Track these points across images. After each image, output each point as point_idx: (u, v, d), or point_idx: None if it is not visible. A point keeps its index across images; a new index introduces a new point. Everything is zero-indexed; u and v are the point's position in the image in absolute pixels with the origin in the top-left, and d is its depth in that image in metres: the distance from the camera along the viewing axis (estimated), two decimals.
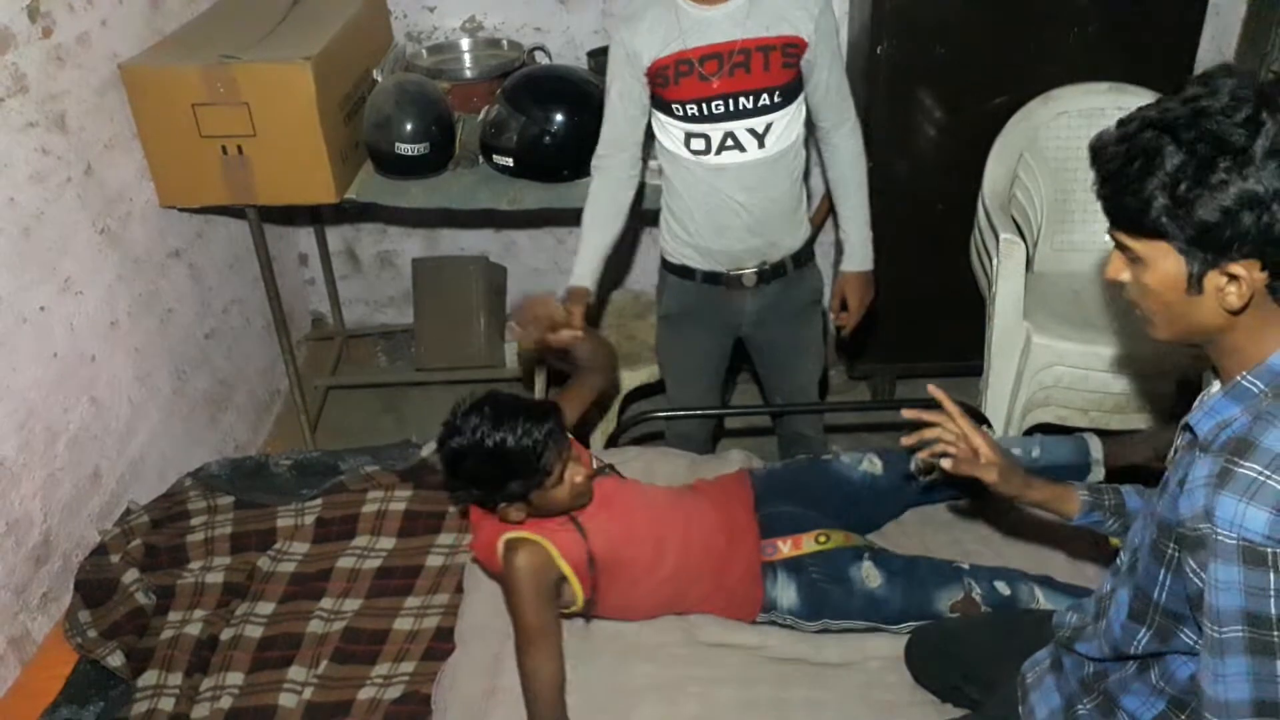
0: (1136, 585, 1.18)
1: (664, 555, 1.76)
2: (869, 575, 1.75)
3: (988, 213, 2.43)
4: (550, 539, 1.69)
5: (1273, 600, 0.98)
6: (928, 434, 1.46)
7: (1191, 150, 0.99)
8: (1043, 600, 1.72)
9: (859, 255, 2.16)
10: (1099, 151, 1.08)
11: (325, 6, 2.67)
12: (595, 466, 1.81)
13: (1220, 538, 1.00)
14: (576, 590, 1.73)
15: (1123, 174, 1.04)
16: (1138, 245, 1.07)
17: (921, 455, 1.49)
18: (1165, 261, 1.05)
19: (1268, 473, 0.99)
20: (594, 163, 2.06)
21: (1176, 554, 1.10)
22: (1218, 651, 1.03)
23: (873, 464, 1.97)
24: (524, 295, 1.94)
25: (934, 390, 1.50)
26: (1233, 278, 1.02)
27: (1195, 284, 1.04)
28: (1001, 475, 1.41)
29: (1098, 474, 1.96)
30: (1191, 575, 1.06)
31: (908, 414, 1.48)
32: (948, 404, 1.46)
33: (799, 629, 1.77)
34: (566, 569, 1.70)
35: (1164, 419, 2.40)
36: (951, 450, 1.44)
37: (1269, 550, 0.98)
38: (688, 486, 1.98)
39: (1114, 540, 1.44)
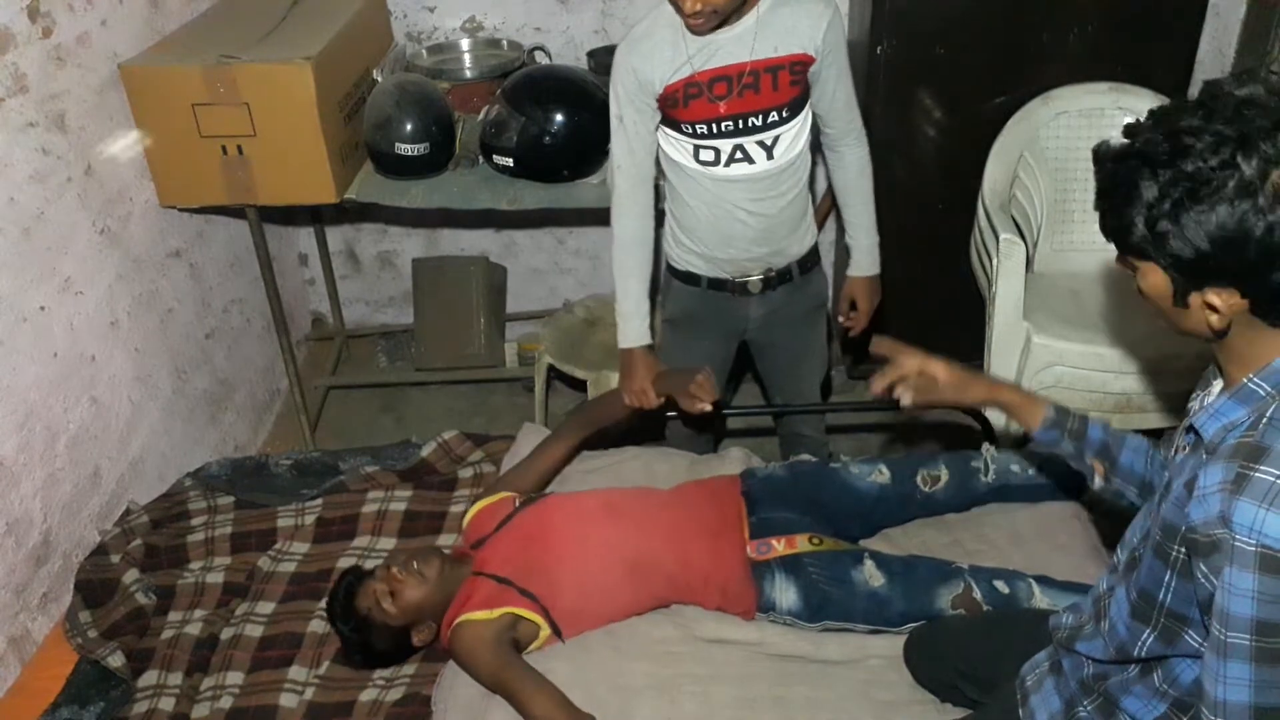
0: (1140, 586, 1.18)
1: (600, 549, 1.81)
2: (871, 575, 1.75)
3: (988, 213, 2.43)
4: (474, 610, 1.75)
5: None
6: (891, 376, 1.57)
7: (1168, 187, 1.01)
8: (1041, 597, 1.72)
9: (866, 261, 2.17)
10: (1097, 162, 1.11)
11: (325, 6, 2.67)
12: (516, 505, 1.93)
13: (1238, 544, 0.99)
14: (534, 620, 1.76)
15: (1110, 196, 1.08)
16: (1129, 257, 1.11)
17: (878, 388, 1.60)
18: (1154, 275, 1.09)
19: None
20: (617, 205, 1.98)
21: (1183, 557, 1.10)
22: (1222, 653, 1.03)
23: (881, 474, 1.97)
24: (689, 376, 1.97)
25: (879, 345, 1.60)
26: (1211, 305, 1.05)
27: (1180, 300, 1.08)
28: (959, 391, 1.52)
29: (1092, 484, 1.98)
30: (1203, 580, 1.05)
31: (876, 350, 1.60)
32: (895, 350, 1.57)
33: (799, 628, 1.78)
34: (509, 611, 1.74)
35: (1165, 419, 2.40)
36: (908, 388, 1.55)
37: None
38: (667, 490, 2.01)
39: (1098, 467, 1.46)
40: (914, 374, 1.55)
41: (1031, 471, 1.97)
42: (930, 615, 1.73)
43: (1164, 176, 1.01)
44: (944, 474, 1.97)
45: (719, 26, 1.80)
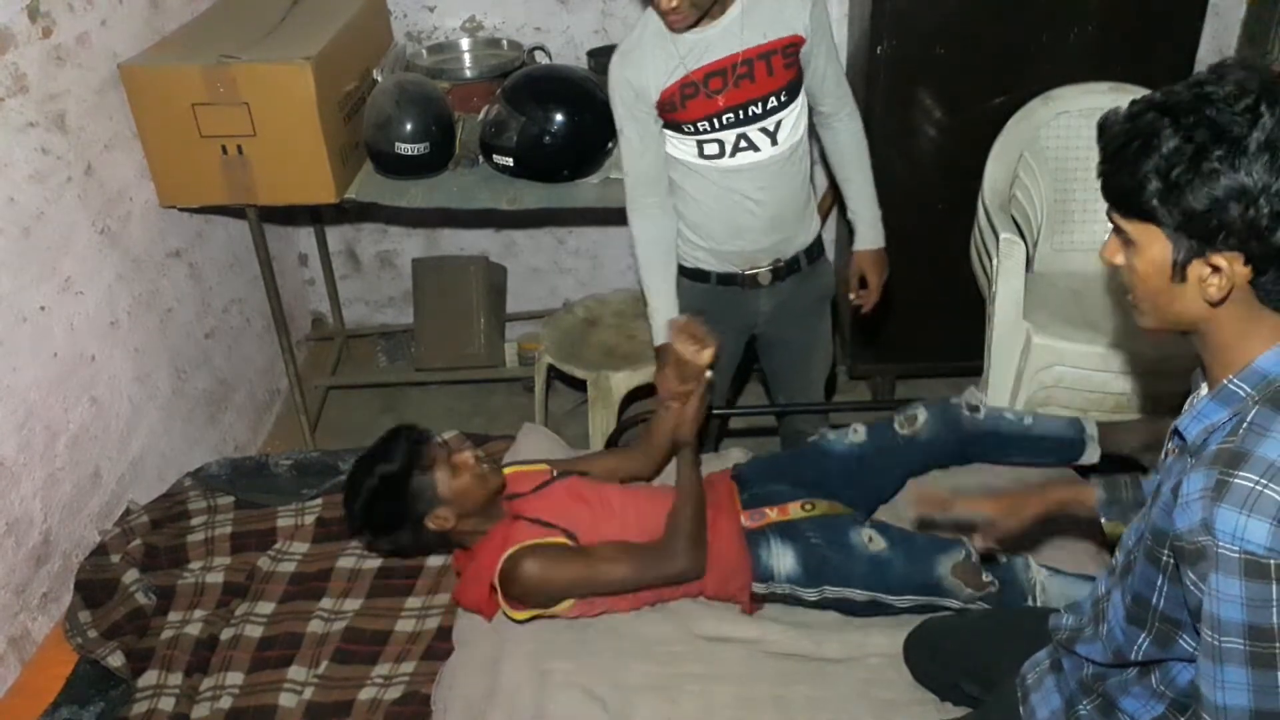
0: (1134, 590, 1.18)
1: (629, 518, 1.84)
2: (871, 539, 1.77)
3: (988, 213, 2.43)
4: (525, 539, 1.75)
5: (1274, 611, 0.98)
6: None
7: (1188, 136, 0.99)
8: (1037, 569, 1.75)
9: (871, 233, 2.16)
10: (1105, 128, 1.09)
11: (325, 6, 2.67)
12: (553, 475, 1.94)
13: (1222, 551, 0.99)
14: None
15: (1122, 153, 1.04)
16: (1130, 227, 1.08)
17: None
18: (1154, 246, 1.06)
19: (1264, 482, 0.98)
20: (631, 207, 2.03)
21: (1172, 562, 1.10)
22: (1217, 659, 1.03)
23: (856, 434, 1.99)
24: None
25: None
26: (1215, 269, 1.02)
27: (1179, 272, 1.05)
28: (1015, 515, 1.55)
29: (1092, 452, 1.99)
30: (1191, 587, 1.05)
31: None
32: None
33: (798, 596, 1.79)
34: (559, 540, 1.76)
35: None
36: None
37: (1270, 562, 0.97)
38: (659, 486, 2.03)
39: (1109, 527, 1.47)
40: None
41: (1028, 421, 1.99)
42: (930, 582, 1.75)
43: (1186, 123, 0.99)
44: (921, 414, 1.97)
45: (699, 22, 1.81)
